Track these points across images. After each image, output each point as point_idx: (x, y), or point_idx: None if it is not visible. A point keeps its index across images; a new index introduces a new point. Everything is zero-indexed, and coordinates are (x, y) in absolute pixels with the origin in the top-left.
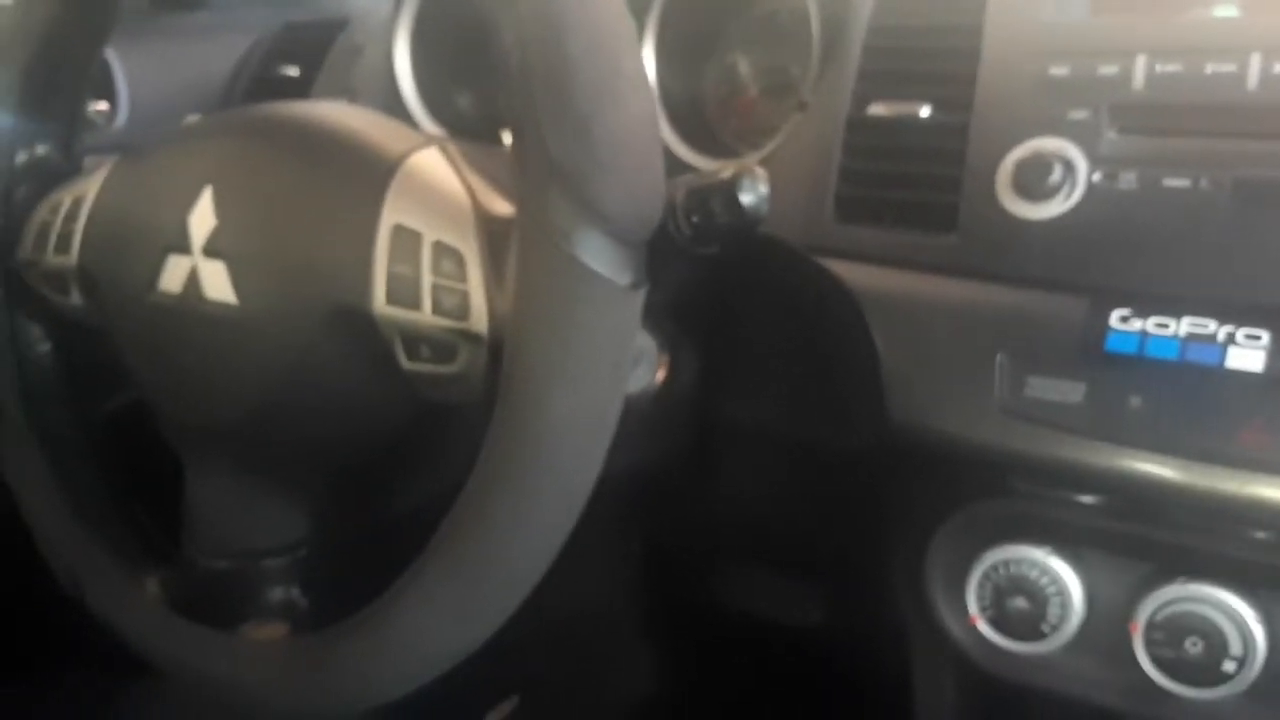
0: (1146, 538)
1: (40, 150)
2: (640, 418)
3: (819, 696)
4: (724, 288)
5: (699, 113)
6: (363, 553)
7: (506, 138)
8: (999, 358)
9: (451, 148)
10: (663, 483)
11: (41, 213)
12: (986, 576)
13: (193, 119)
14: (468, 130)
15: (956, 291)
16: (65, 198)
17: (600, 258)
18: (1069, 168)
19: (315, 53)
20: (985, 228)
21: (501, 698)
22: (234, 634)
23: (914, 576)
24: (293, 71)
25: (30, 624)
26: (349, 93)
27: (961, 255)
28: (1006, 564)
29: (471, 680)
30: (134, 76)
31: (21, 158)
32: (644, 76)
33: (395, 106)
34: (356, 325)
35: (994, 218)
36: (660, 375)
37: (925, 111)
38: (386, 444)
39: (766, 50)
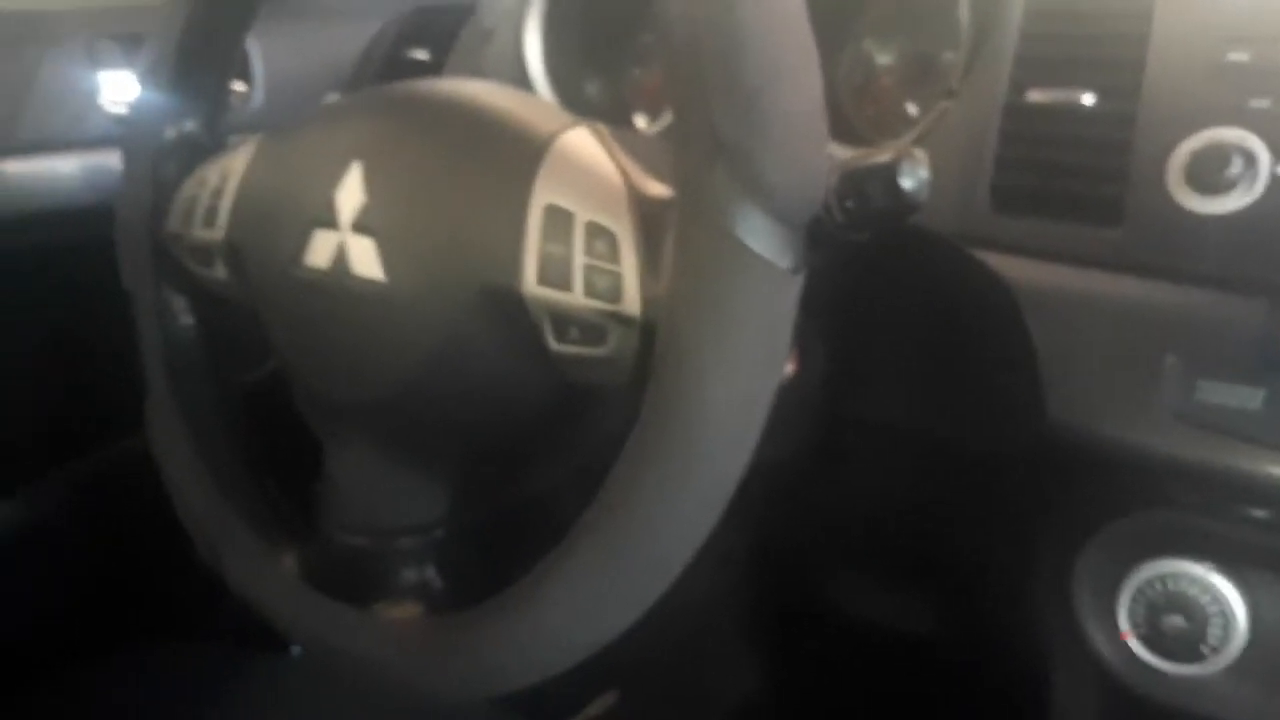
0: None
1: (188, 127)
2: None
3: (933, 711)
4: (861, 277)
5: (832, 100)
6: (497, 534)
7: (638, 122)
8: (1168, 359)
9: (602, 128)
10: (781, 478)
11: (189, 187)
12: (1141, 591)
13: (334, 97)
14: (596, 116)
15: (1122, 288)
16: (212, 173)
17: (762, 239)
18: (1250, 159)
19: (445, 36)
20: (1154, 222)
21: (603, 690)
22: (368, 611)
23: (1060, 588)
24: (423, 55)
25: (169, 593)
26: (479, 76)
27: (1128, 250)
28: (1164, 579)
29: (572, 672)
30: (270, 57)
31: (170, 134)
32: (814, 53)
33: (525, 91)
34: (506, 305)
35: (1164, 211)
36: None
37: (1089, 99)
38: (529, 425)
39: (905, 37)
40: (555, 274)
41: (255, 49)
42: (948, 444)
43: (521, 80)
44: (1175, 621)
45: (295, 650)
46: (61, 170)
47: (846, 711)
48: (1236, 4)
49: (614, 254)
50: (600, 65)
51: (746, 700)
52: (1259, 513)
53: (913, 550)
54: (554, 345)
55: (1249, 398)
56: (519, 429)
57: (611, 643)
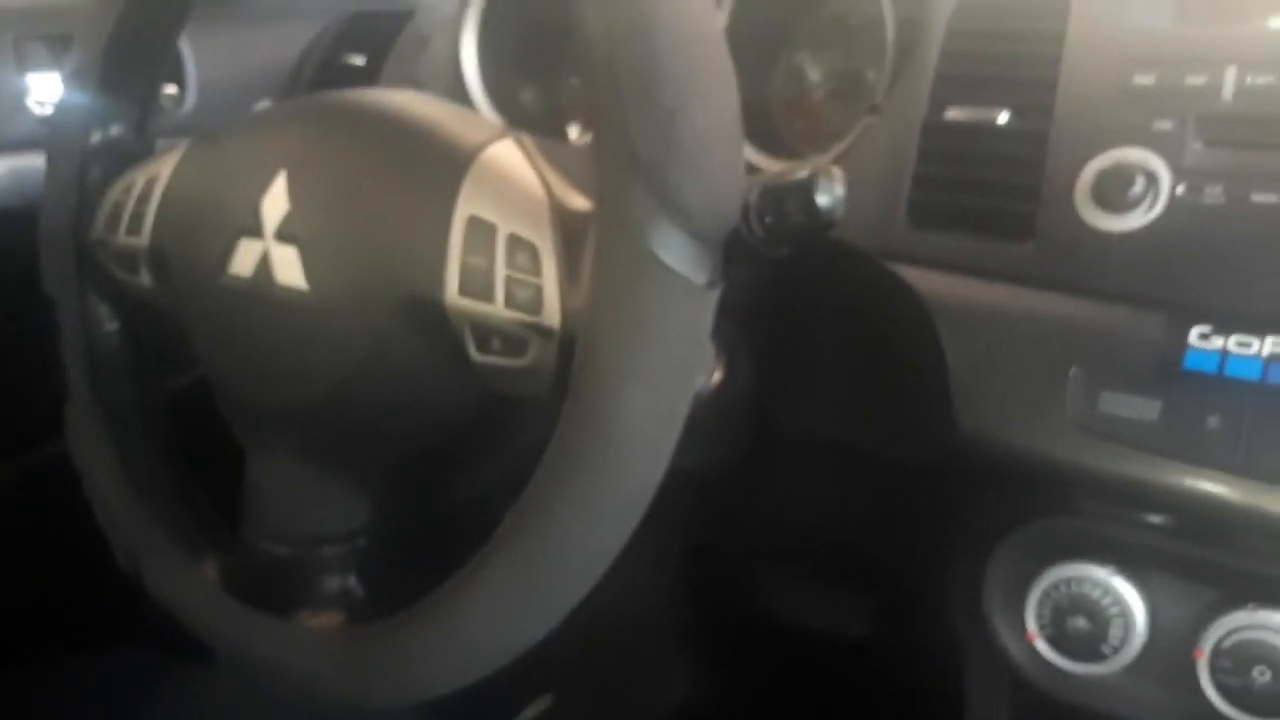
0: (1216, 561)
1: (114, 131)
2: (692, 419)
3: (863, 711)
4: (785, 290)
5: (763, 113)
6: (416, 543)
7: (571, 132)
8: (1073, 371)
9: (527, 140)
10: (711, 485)
11: (114, 193)
12: (1047, 594)
13: (264, 104)
14: (531, 124)
15: (1031, 302)
16: (138, 178)
17: (678, 254)
18: (1151, 179)
19: (381, 42)
20: (1063, 238)
21: (535, 695)
22: (290, 620)
23: (972, 592)
24: (359, 60)
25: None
26: (414, 83)
27: (1037, 265)
28: (1068, 582)
29: (505, 676)
30: (202, 60)
31: (95, 138)
32: (730, 73)
33: (460, 98)
34: (428, 315)
35: (1072, 228)
36: (716, 377)
37: (1004, 118)
38: (451, 434)
39: (836, 52)
40: (477, 285)
41: (188, 51)
42: (868, 453)
43: (457, 88)
44: (1079, 623)
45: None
46: None
47: (775, 713)
48: (1143, 29)
49: (535, 266)
50: (536, 74)
51: (680, 703)
52: (1157, 518)
53: (837, 556)
54: (475, 355)
55: (1146, 409)
56: (441, 438)
57: (544, 646)
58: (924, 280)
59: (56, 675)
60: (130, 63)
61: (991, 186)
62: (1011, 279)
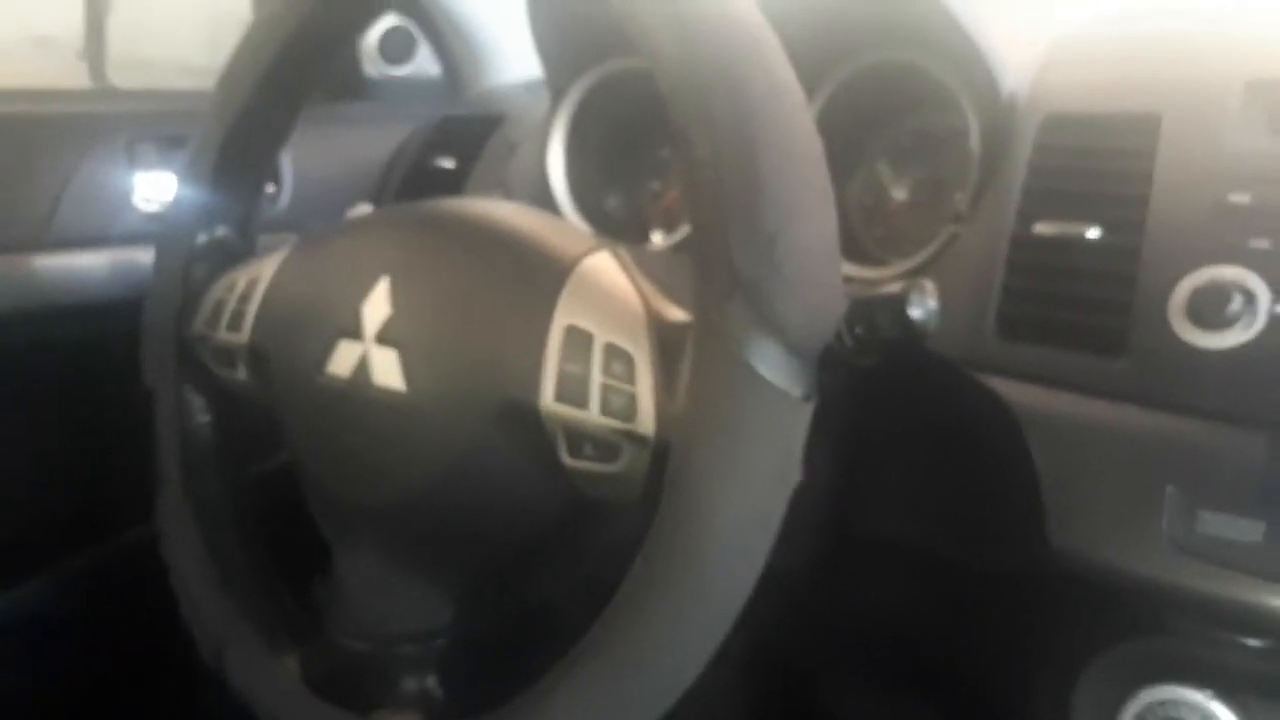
0: None
1: (220, 231)
2: None
3: None
4: (872, 396)
5: (843, 218)
6: (495, 644)
7: (655, 238)
8: (1169, 490)
9: (622, 252)
10: (785, 585)
11: (217, 290)
12: (1141, 717)
13: (364, 208)
14: (614, 228)
15: (1125, 417)
16: (241, 278)
17: (775, 368)
18: (1249, 297)
19: (471, 146)
20: (1157, 354)
21: None
22: (369, 718)
23: (1060, 710)
24: (449, 163)
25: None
26: (503, 187)
27: (1131, 381)
28: (1164, 704)
29: None
30: (299, 159)
31: (202, 238)
32: (829, 195)
33: (546, 202)
34: (523, 420)
35: (1167, 345)
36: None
37: (1095, 233)
38: (538, 536)
39: (919, 162)
40: (573, 392)
41: (285, 150)
42: (952, 564)
43: (544, 192)
44: None
45: None
46: (91, 265)
47: None
48: (1237, 146)
49: (630, 375)
50: (620, 179)
51: None
52: (1257, 642)
53: (913, 664)
54: (568, 460)
55: (1249, 530)
56: (528, 540)
57: None
58: (1014, 392)
59: None
60: (240, 166)
61: (1083, 302)
62: (1105, 393)
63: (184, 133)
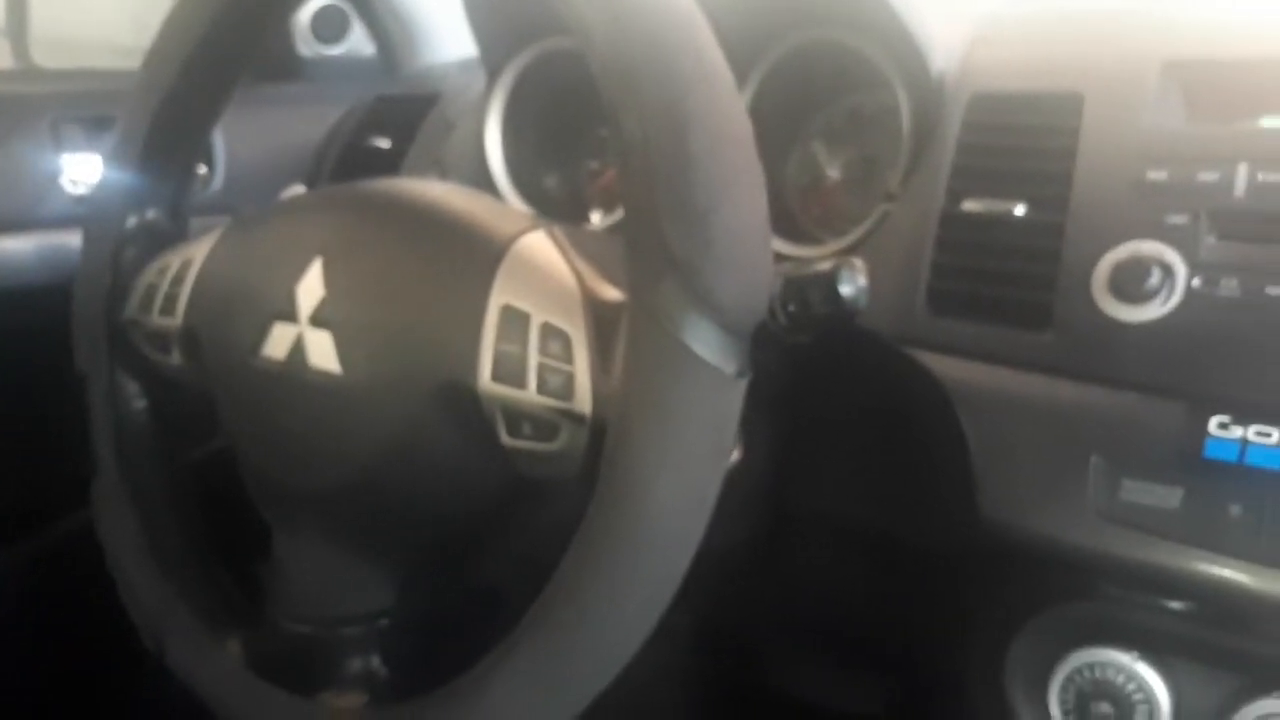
0: (1240, 649)
1: (150, 214)
2: None
3: None
4: (806, 373)
5: (779, 198)
6: (437, 624)
7: (594, 218)
8: (1094, 459)
9: (558, 231)
10: (724, 563)
11: (149, 274)
12: (1070, 679)
13: (296, 189)
14: (553, 207)
15: (1051, 390)
16: (173, 260)
17: (709, 346)
18: (1167, 272)
19: (406, 126)
20: (1080, 328)
21: None
22: (313, 700)
23: (993, 676)
24: (384, 143)
25: (107, 677)
26: (439, 166)
27: (1056, 354)
28: (1091, 667)
29: None
30: (231, 141)
31: (131, 221)
32: (760, 173)
33: (484, 182)
34: (460, 400)
35: (1089, 318)
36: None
37: (1021, 210)
38: (478, 516)
39: (852, 141)
40: (510, 371)
41: (218, 132)
42: (888, 536)
43: (482, 172)
44: (1103, 708)
45: None
46: (18, 250)
47: None
48: (1156, 125)
49: (567, 354)
50: (557, 158)
51: None
52: (1179, 604)
53: (854, 635)
54: (506, 440)
55: (1168, 497)
56: (468, 520)
57: None
58: (944, 366)
59: None
60: (169, 147)
61: (1010, 277)
62: (1031, 367)
63: (111, 113)
